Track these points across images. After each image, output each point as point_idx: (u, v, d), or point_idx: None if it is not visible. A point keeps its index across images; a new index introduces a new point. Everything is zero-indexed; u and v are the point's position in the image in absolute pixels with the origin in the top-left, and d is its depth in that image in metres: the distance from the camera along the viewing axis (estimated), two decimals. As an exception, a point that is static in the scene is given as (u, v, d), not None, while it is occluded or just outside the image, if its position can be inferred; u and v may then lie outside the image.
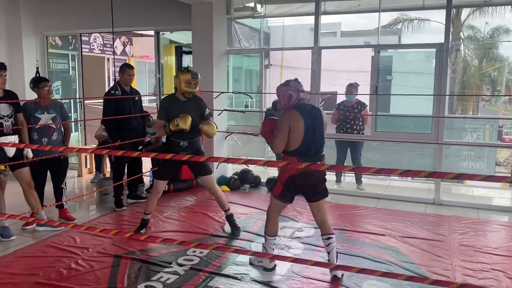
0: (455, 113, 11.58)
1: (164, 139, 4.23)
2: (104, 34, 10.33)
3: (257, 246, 3.83)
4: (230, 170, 6.54)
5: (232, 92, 7.21)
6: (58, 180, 4.60)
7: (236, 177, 6.04)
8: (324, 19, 5.89)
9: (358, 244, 3.98)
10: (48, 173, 4.61)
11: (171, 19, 6.45)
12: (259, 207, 5.00)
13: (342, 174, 6.27)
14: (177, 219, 4.69)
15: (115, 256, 3.61)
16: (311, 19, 5.89)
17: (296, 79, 3.31)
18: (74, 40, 8.44)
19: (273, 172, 6.57)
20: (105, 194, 5.22)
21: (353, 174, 6.18)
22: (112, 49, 10.54)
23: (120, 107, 4.88)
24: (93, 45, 10.54)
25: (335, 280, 3.23)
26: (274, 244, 3.44)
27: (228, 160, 1.06)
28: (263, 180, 6.10)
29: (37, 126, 4.35)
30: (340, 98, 6.43)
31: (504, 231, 4.46)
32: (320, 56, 5.83)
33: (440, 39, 5.33)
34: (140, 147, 5.27)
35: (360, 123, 5.95)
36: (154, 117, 6.01)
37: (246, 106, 10.05)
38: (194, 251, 3.68)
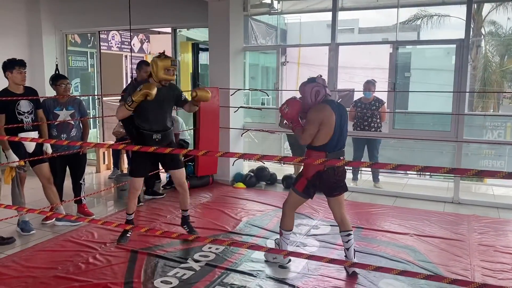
0: (475, 110, 11.36)
1: (134, 132, 3.77)
2: (122, 31, 10.44)
3: (272, 243, 3.82)
4: (246, 167, 6.55)
5: (249, 89, 7.22)
6: (77, 176, 4.67)
7: (252, 174, 6.04)
8: (341, 15, 5.84)
9: (375, 242, 3.94)
10: (67, 169, 4.68)
11: (188, 16, 6.47)
12: (275, 204, 4.99)
13: (359, 171, 6.22)
14: (193, 215, 4.70)
15: (132, 251, 3.64)
16: (328, 16, 5.84)
17: (321, 76, 3.30)
18: (92, 37, 8.56)
19: (289, 169, 6.56)
20: (122, 190, 5.27)
21: (370, 172, 6.11)
22: (130, 47, 10.64)
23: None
24: (111, 43, 10.66)
25: (354, 275, 3.22)
26: (289, 239, 3.43)
27: (244, 156, 1.05)
28: (279, 177, 6.09)
29: (56, 123, 4.42)
30: (357, 95, 6.36)
31: (526, 231, 4.36)
32: (337, 52, 5.77)
33: (461, 35, 5.23)
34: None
35: (378, 120, 5.88)
36: (174, 113, 6.07)
37: (263, 104, 10.04)
38: (210, 247, 3.70)
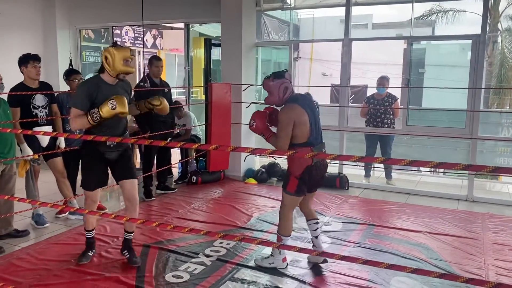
0: (490, 107, 11.19)
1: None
2: (135, 27, 10.49)
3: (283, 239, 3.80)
4: (258, 163, 6.54)
5: (260, 85, 7.19)
6: (90, 170, 4.71)
7: (263, 170, 6.03)
8: (355, 10, 5.78)
9: (387, 239, 3.91)
10: (80, 163, 4.72)
11: (200, 12, 6.47)
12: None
13: (372, 168, 6.17)
14: (204, 210, 4.72)
15: (144, 245, 3.67)
16: (341, 11, 5.78)
17: (287, 70, 3.18)
18: (106, 33, 8.61)
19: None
20: (134, 184, 5.30)
21: (383, 169, 6.06)
22: (143, 42, 10.68)
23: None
24: (124, 38, 10.72)
25: (325, 262, 3.30)
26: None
27: (255, 151, 1.04)
28: (291, 173, 6.06)
29: (69, 117, 4.46)
30: (370, 91, 6.31)
31: (542, 230, 4.29)
32: (350, 48, 5.72)
33: (477, 30, 5.14)
34: (169, 138, 5.34)
35: (391, 116, 5.82)
36: (186, 109, 6.10)
37: (275, 99, 10.01)
38: (221, 243, 3.71)
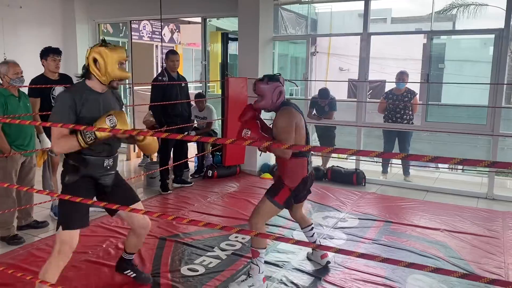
0: (512, 103, 10.93)
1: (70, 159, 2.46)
2: (153, 21, 10.54)
3: (299, 235, 3.79)
4: (273, 158, 6.52)
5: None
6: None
7: (279, 165, 6.01)
8: (374, 4, 5.70)
9: (404, 237, 3.86)
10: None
11: (218, 6, 6.46)
12: (302, 196, 4.95)
13: (389, 164, 6.10)
14: (220, 204, 4.74)
15: (160, 238, 3.70)
16: (360, 5, 5.71)
17: (280, 74, 2.98)
18: (124, 27, 8.68)
19: (317, 161, 6.49)
20: (151, 178, 5.36)
21: (401, 165, 5.99)
22: (161, 37, 10.74)
23: (167, 93, 4.97)
24: (142, 33, 10.79)
25: (328, 264, 3.22)
26: (264, 259, 2.92)
27: (269, 147, 1.03)
28: (307, 168, 6.03)
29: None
30: (388, 87, 6.22)
31: None
32: (369, 43, 5.64)
33: (500, 24, 5.01)
34: (186, 132, 5.36)
35: (410, 112, 5.74)
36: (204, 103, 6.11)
37: (291, 94, 9.97)
38: (236, 237, 3.71)
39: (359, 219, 4.28)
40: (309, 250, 3.38)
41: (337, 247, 1.05)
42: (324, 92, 6.02)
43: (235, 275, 3.07)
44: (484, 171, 5.40)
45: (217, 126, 6.32)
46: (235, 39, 6.28)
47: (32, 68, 4.19)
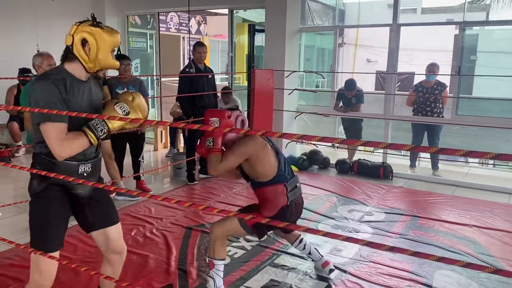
0: (548, 97, 10.53)
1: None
2: (180, 13, 10.61)
3: (324, 227, 3.79)
4: (299, 150, 6.51)
5: (304, 71, 7.12)
6: (136, 153, 4.85)
7: (304, 157, 6.00)
8: (404, -6, 5.57)
9: (432, 232, 3.80)
10: (127, 146, 4.87)
11: (245, -3, 6.45)
12: (327, 189, 4.94)
13: (417, 158, 5.99)
14: (245, 195, 4.77)
15: (187, 227, 3.76)
16: (389, -5, 5.60)
17: (237, 106, 2.78)
18: (152, 19, 8.78)
19: (342, 153, 6.44)
20: (178, 168, 5.43)
21: (429, 159, 5.88)
22: (187, 28, 10.81)
23: (194, 85, 5.01)
24: (169, 24, 10.88)
25: (331, 272, 2.97)
26: (222, 271, 2.70)
27: (302, 137, 1.03)
28: (332, 161, 6.00)
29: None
30: (417, 79, 6.09)
31: None
32: (398, 34, 5.53)
33: (537, 14, 4.83)
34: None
35: (440, 105, 5.61)
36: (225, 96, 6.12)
37: (317, 86, 9.90)
38: (261, 228, 3.74)
39: (385, 213, 4.23)
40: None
41: (366, 240, 1.05)
42: (350, 84, 5.95)
43: (260, 266, 3.10)
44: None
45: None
46: (261, 31, 6.27)
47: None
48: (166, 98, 7.05)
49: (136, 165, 4.87)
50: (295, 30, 6.07)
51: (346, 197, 4.71)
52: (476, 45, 11.55)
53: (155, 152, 7.09)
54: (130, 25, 8.17)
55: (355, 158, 6.02)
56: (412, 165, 5.96)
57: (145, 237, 3.56)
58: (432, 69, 5.62)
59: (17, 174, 5.33)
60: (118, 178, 4.49)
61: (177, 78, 5.24)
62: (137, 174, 4.86)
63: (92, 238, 2.19)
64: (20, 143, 6.12)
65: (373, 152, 6.16)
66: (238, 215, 1.46)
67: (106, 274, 2.17)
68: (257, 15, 9.12)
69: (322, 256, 3.00)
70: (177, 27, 11.22)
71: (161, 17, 8.03)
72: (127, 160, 4.90)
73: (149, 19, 9.00)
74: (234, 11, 6.97)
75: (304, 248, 2.99)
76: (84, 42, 1.94)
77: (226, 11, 7.06)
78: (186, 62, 5.39)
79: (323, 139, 0.93)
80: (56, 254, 1.95)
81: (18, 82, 5.99)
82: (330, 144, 6.67)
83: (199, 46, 5.19)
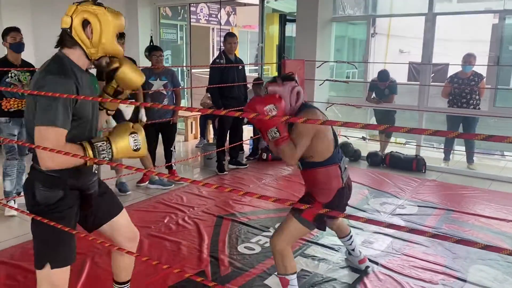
0: None
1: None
2: (210, 4, 10.65)
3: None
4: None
5: (335, 62, 7.03)
6: (168, 143, 4.93)
7: (335, 149, 5.93)
8: (440, -18, 5.40)
9: (467, 226, 3.71)
10: (159, 137, 4.95)
11: (276, -13, 6.41)
12: (358, 181, 4.87)
13: (452, 152, 5.84)
14: (274, 186, 4.78)
15: (218, 216, 3.81)
16: (425, -17, 5.43)
17: (292, 73, 2.53)
18: (182, 10, 8.84)
19: (374, 146, 6.35)
20: (208, 158, 5.48)
21: (464, 152, 5.72)
22: (217, 19, 10.84)
23: (224, 76, 5.04)
24: (199, 16, 10.95)
25: (367, 269, 2.92)
26: (297, 285, 2.43)
27: (345, 124, 1.02)
28: (363, 154, 5.92)
29: (150, 92, 4.68)
30: (452, 70, 5.92)
31: None
32: (434, 23, 5.38)
33: None
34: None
35: (477, 97, 5.43)
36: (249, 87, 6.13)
37: (347, 77, 9.76)
38: (291, 219, 3.74)
39: (418, 206, 4.16)
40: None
41: (408, 227, 1.03)
42: (383, 74, 5.84)
43: (291, 256, 3.10)
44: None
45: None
46: (292, 21, 6.22)
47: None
48: (197, 89, 7.11)
49: (168, 154, 4.94)
50: (327, 20, 5.99)
51: (378, 189, 4.65)
52: (516, 34, 11.11)
53: (185, 142, 7.18)
54: (161, 16, 8.25)
55: (387, 150, 5.92)
56: (446, 158, 5.81)
57: (177, 225, 3.63)
58: (468, 59, 5.44)
59: None
60: (150, 167, 4.58)
61: (207, 70, 5.27)
62: (169, 164, 4.93)
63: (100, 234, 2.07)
64: None
65: (405, 144, 6.04)
66: (291, 205, 1.34)
67: (119, 266, 2.15)
68: (287, 5, 9.04)
69: (361, 253, 2.97)
70: (207, 18, 11.28)
71: (191, 8, 8.08)
72: (159, 149, 4.98)
73: (179, 11, 9.07)
74: (265, 1, 6.93)
75: (350, 244, 2.92)
76: (85, 23, 1.69)
77: (256, 1, 7.03)
78: (216, 53, 5.42)
79: (367, 126, 0.92)
80: (68, 269, 1.83)
81: None
82: (360, 136, 6.59)
83: (230, 36, 5.21)
